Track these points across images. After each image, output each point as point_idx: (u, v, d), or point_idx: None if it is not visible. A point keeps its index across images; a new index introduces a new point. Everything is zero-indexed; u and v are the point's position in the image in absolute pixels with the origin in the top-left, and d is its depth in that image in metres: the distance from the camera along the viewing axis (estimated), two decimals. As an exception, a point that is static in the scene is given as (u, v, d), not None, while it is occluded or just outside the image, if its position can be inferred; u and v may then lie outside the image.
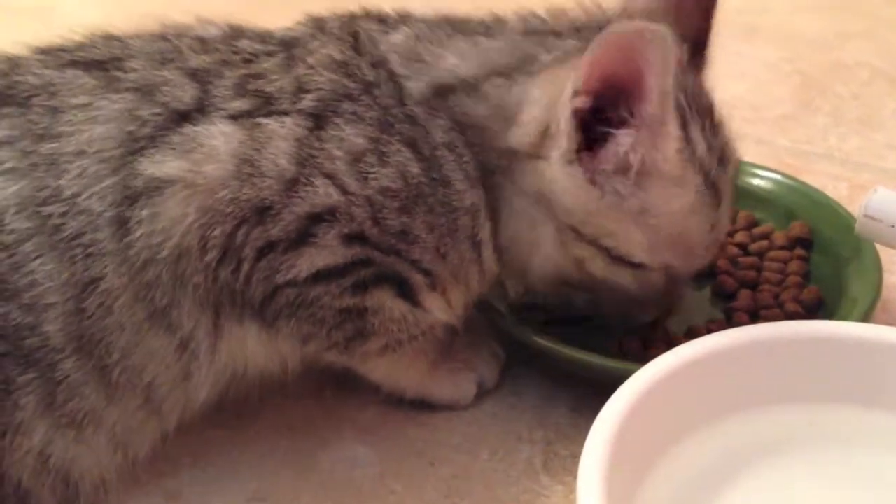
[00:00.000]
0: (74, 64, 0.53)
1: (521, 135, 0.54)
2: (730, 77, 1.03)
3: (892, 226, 0.57)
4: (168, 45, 0.55)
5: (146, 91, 0.52)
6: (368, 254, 0.53)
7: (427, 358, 0.60)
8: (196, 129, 0.51)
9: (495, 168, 0.55)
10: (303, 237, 0.52)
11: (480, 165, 0.55)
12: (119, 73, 0.53)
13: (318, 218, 0.52)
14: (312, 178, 0.51)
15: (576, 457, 0.46)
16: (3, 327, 0.49)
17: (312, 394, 0.62)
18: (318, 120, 0.52)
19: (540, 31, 0.57)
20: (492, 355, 0.63)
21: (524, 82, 0.55)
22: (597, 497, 0.44)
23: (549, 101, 0.53)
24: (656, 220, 0.54)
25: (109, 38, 0.56)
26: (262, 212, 0.51)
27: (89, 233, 0.49)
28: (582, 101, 0.51)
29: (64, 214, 0.49)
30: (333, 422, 0.61)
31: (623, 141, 0.52)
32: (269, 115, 0.52)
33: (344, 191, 0.52)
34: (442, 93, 0.55)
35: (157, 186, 0.50)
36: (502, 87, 0.55)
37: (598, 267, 0.56)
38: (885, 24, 1.13)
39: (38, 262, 0.49)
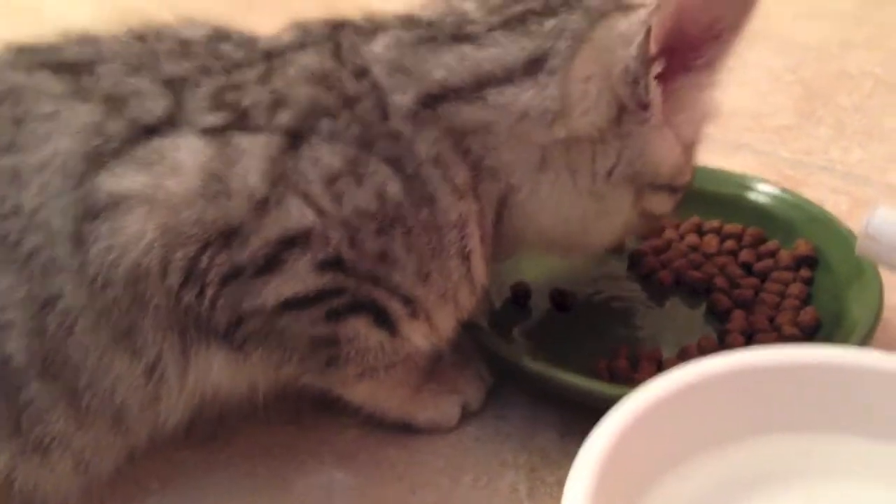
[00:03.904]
0: (43, 66, 0.51)
1: (584, 123, 0.53)
2: (730, 84, 1.00)
3: (895, 247, 0.54)
4: (145, 48, 0.52)
5: (116, 102, 0.49)
6: (342, 282, 0.51)
7: (409, 383, 0.58)
8: (163, 141, 0.49)
9: (515, 167, 0.54)
10: (271, 263, 0.49)
11: (477, 172, 0.53)
12: (89, 79, 0.50)
13: (291, 242, 0.49)
14: (285, 199, 0.49)
15: (562, 483, 0.44)
16: None
17: (289, 416, 0.60)
18: (294, 139, 0.50)
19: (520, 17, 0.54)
20: (477, 377, 0.60)
21: (550, 79, 0.53)
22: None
23: (601, 83, 0.53)
24: (695, 135, 0.57)
25: (84, 39, 0.53)
26: (229, 235, 0.48)
27: (48, 249, 0.47)
28: (659, 65, 0.52)
29: (23, 230, 0.47)
30: (311, 445, 0.58)
31: (693, 83, 0.54)
32: (242, 130, 0.49)
33: (319, 212, 0.49)
34: (430, 102, 0.53)
35: (116, 202, 0.47)
36: (516, 90, 0.53)
37: (664, 204, 0.58)
38: (889, 33, 1.11)
39: None
